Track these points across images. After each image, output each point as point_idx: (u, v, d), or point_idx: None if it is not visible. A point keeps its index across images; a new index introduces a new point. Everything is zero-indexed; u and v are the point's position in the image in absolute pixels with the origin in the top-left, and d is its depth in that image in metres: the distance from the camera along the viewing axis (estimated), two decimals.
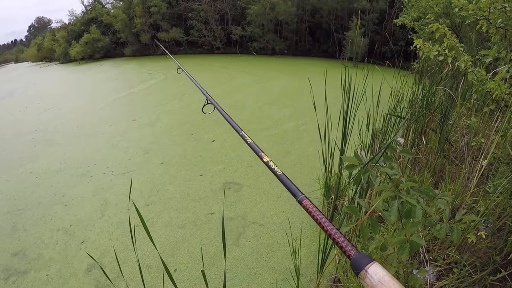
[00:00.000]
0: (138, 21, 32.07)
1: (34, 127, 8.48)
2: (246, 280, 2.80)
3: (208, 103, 1.91)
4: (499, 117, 2.88)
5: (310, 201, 0.91)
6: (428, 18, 5.62)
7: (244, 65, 21.68)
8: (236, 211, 3.85)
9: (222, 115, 1.62)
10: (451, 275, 2.05)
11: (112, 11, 36.35)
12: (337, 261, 2.71)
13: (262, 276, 2.84)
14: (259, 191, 4.26)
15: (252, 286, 2.74)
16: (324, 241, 2.18)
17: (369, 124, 3.41)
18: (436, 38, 3.59)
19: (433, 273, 2.12)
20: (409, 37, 8.63)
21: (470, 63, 3.15)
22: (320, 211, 0.86)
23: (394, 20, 9.35)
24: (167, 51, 4.37)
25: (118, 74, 20.92)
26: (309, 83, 3.55)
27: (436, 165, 3.30)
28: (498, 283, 1.97)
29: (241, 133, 1.35)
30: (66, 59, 36.74)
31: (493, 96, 2.95)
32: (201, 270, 1.22)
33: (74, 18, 42.01)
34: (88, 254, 1.82)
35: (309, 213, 0.87)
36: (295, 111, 8.34)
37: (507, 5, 3.09)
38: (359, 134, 3.51)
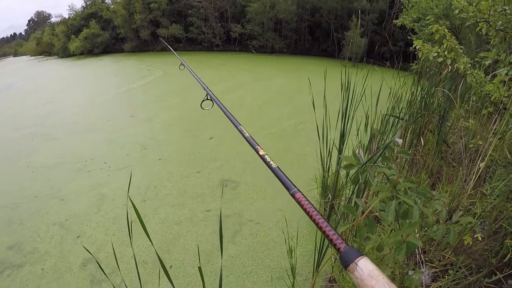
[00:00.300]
0: (138, 17, 31.96)
1: (32, 121, 8.45)
2: (242, 278, 2.80)
3: (207, 99, 1.90)
4: (497, 119, 2.88)
5: (303, 195, 0.91)
6: (428, 19, 5.62)
7: (243, 63, 21.66)
8: (233, 209, 3.85)
9: (221, 109, 1.61)
10: (446, 276, 2.06)
11: (112, 6, 36.17)
12: (333, 261, 2.71)
13: (258, 274, 2.84)
14: (256, 189, 4.26)
15: (248, 284, 2.74)
16: (320, 241, 2.18)
17: (367, 124, 3.41)
18: (436, 39, 3.59)
19: (428, 274, 2.12)
20: (409, 38, 8.64)
21: (469, 65, 3.15)
22: (312, 205, 0.86)
23: (394, 21, 9.34)
24: (171, 48, 4.36)
25: (117, 69, 20.89)
26: (309, 82, 3.54)
27: (433, 167, 3.30)
28: (493, 286, 1.98)
29: (239, 127, 1.36)
30: (65, 53, 36.61)
31: (492, 99, 2.96)
32: (198, 267, 1.22)
33: (74, 12, 41.88)
34: (85, 248, 1.81)
35: (301, 206, 0.88)
36: (294, 110, 8.33)
37: (507, 7, 3.09)
38: (357, 134, 3.51)
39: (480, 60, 3.43)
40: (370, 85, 3.08)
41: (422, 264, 2.21)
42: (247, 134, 1.30)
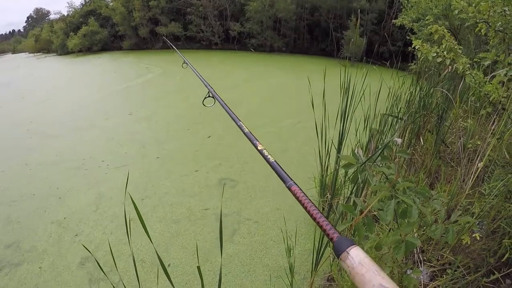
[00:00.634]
0: (137, 14, 31.95)
1: (30, 119, 8.43)
2: (240, 277, 2.80)
3: (209, 96, 1.91)
4: (495, 120, 2.89)
5: (299, 187, 0.94)
6: (427, 20, 5.62)
7: (242, 61, 21.66)
8: (231, 208, 3.85)
9: (222, 106, 1.63)
10: (444, 276, 2.06)
11: (111, 4, 36.19)
12: (332, 260, 2.71)
13: (256, 273, 2.84)
14: (255, 188, 4.26)
15: (246, 283, 2.74)
16: (319, 239, 2.18)
17: (366, 123, 3.41)
18: (435, 39, 3.59)
19: (427, 273, 2.12)
20: (408, 38, 8.64)
21: (468, 65, 3.15)
22: (307, 197, 0.89)
23: (393, 21, 9.34)
24: (174, 47, 4.35)
25: (116, 67, 20.85)
26: (308, 81, 3.53)
27: (431, 166, 3.31)
28: (491, 285, 1.98)
29: (238, 123, 1.38)
30: (64, 51, 36.57)
31: (490, 99, 2.96)
32: (197, 267, 1.22)
33: (73, 10, 41.93)
34: (84, 246, 1.81)
35: (297, 198, 0.91)
36: (292, 109, 8.33)
37: (506, 8, 3.09)
38: (356, 133, 3.52)
39: (479, 60, 3.43)
40: (369, 85, 3.08)
41: (421, 263, 2.21)
42: (246, 130, 1.33)
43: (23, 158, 5.70)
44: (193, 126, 7.00)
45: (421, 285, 2.04)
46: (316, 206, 0.85)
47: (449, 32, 3.45)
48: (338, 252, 0.70)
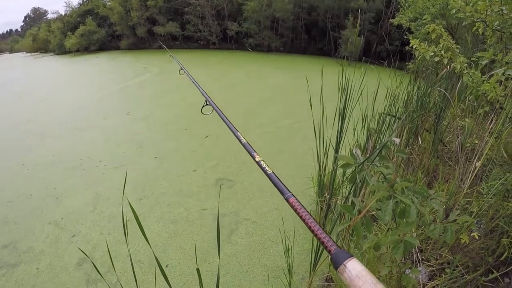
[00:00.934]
0: (135, 14, 31.89)
1: (27, 119, 8.39)
2: (238, 277, 2.80)
3: (207, 104, 1.91)
4: (493, 119, 2.89)
5: (297, 199, 0.95)
6: (424, 19, 5.63)
7: (239, 61, 21.65)
8: (229, 208, 3.84)
9: (220, 116, 1.63)
10: (443, 275, 2.06)
11: (109, 3, 36.09)
12: (330, 260, 2.70)
13: (254, 273, 2.83)
14: (252, 188, 4.25)
15: (244, 283, 2.74)
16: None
17: (364, 123, 3.40)
18: (432, 39, 3.58)
19: (425, 273, 2.12)
20: (405, 37, 8.65)
21: (466, 64, 3.15)
22: (305, 209, 0.90)
23: (391, 20, 9.38)
24: (173, 56, 4.34)
25: (113, 67, 20.80)
26: (306, 80, 3.53)
27: (429, 166, 3.31)
28: (490, 284, 1.98)
29: (236, 134, 1.38)
30: (61, 50, 36.46)
31: (488, 98, 2.96)
32: (196, 269, 1.21)
33: (70, 9, 41.80)
34: (80, 249, 1.80)
35: (295, 210, 0.92)
36: (290, 108, 8.33)
37: (504, 8, 3.09)
38: (354, 133, 3.51)
39: (476, 59, 3.43)
40: (366, 84, 3.08)
41: (419, 262, 2.21)
42: (244, 140, 1.33)
43: (20, 158, 5.67)
44: (191, 126, 6.98)
45: (419, 285, 2.04)
46: (314, 218, 0.86)
47: (446, 32, 3.45)
48: (336, 264, 0.72)
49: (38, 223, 3.73)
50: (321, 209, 3.47)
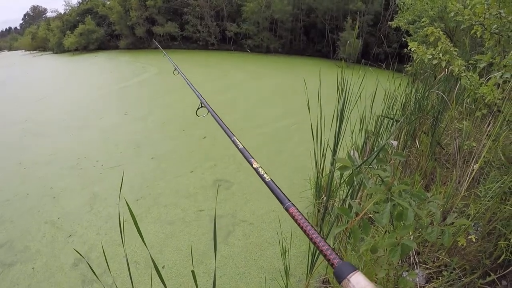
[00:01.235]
0: (134, 14, 31.86)
1: (25, 117, 8.36)
2: (235, 279, 2.79)
3: (202, 106, 1.90)
4: (491, 121, 2.89)
5: (297, 209, 0.92)
6: (423, 22, 5.63)
7: (238, 62, 21.64)
8: (226, 209, 3.83)
9: (216, 119, 1.60)
10: (440, 278, 2.06)
11: (108, 2, 36.02)
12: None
13: (251, 275, 2.83)
14: (250, 190, 4.24)
15: (241, 285, 2.73)
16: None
17: (362, 125, 3.40)
18: (430, 41, 3.59)
19: (422, 275, 2.12)
20: (403, 39, 8.66)
21: (464, 67, 3.16)
22: (306, 219, 0.87)
23: (389, 23, 9.38)
24: (168, 56, 4.34)
25: (112, 66, 20.77)
26: (304, 82, 3.52)
27: (427, 168, 3.31)
28: (487, 287, 1.98)
29: (232, 138, 1.36)
30: (60, 49, 36.39)
31: (486, 101, 2.96)
32: (191, 271, 1.20)
33: (70, 8, 41.75)
34: (75, 250, 1.79)
35: (295, 220, 0.89)
36: (288, 110, 8.32)
37: (502, 11, 3.10)
38: (352, 135, 3.51)
39: (474, 62, 3.43)
40: (364, 87, 3.08)
41: (416, 265, 2.21)
42: (241, 146, 1.30)
43: (17, 157, 5.65)
44: (189, 127, 6.96)
45: None
46: (315, 229, 0.83)
47: (444, 34, 3.45)
48: (339, 279, 0.69)
49: (34, 223, 3.72)
50: (319, 211, 3.47)
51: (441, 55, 3.26)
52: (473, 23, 3.42)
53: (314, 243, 0.80)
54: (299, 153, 5.38)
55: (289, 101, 9.32)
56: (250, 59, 23.37)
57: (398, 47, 17.48)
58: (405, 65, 6.99)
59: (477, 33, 3.43)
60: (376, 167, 1.43)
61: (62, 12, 43.19)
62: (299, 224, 0.87)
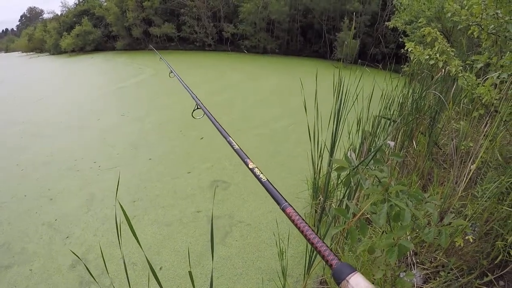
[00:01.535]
0: (131, 15, 31.78)
1: (22, 119, 8.32)
2: (232, 280, 2.78)
3: (198, 108, 1.89)
4: (488, 122, 2.90)
5: (294, 209, 0.91)
6: (420, 22, 5.65)
7: (235, 63, 21.64)
8: (223, 210, 3.83)
9: (211, 120, 1.60)
10: (438, 278, 2.06)
11: (105, 4, 35.95)
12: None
13: (249, 276, 2.82)
14: (247, 190, 4.24)
15: (238, 286, 2.72)
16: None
17: (359, 126, 3.40)
18: (428, 42, 3.60)
19: (420, 276, 2.12)
20: (400, 40, 8.68)
21: (461, 67, 3.16)
22: (303, 219, 0.86)
23: (386, 23, 9.39)
24: (164, 59, 4.33)
25: (109, 67, 20.75)
26: (300, 83, 3.52)
27: (424, 168, 3.31)
28: (484, 287, 1.98)
29: (228, 139, 1.35)
30: (57, 50, 36.27)
31: (483, 101, 2.97)
32: (188, 271, 1.20)
33: (67, 9, 41.60)
34: (72, 252, 1.78)
35: (292, 221, 0.88)
36: (285, 110, 8.32)
37: (499, 11, 3.11)
38: (349, 136, 3.51)
39: (471, 63, 3.44)
40: (362, 87, 3.08)
41: (414, 266, 2.21)
42: (236, 147, 1.29)
43: (15, 158, 5.62)
44: (186, 128, 6.96)
45: None
46: (313, 229, 0.82)
47: (441, 35, 3.46)
48: (338, 280, 0.68)
49: (31, 224, 3.70)
50: (316, 211, 3.47)
51: (438, 55, 3.27)
52: (470, 23, 3.43)
53: (312, 243, 0.79)
54: (296, 154, 5.38)
55: (286, 102, 9.31)
56: (247, 60, 23.36)
57: (395, 48, 17.48)
58: (402, 66, 7.01)
59: (474, 33, 3.44)
60: (373, 168, 1.43)
61: (59, 13, 43.11)
62: (296, 225, 0.86)
